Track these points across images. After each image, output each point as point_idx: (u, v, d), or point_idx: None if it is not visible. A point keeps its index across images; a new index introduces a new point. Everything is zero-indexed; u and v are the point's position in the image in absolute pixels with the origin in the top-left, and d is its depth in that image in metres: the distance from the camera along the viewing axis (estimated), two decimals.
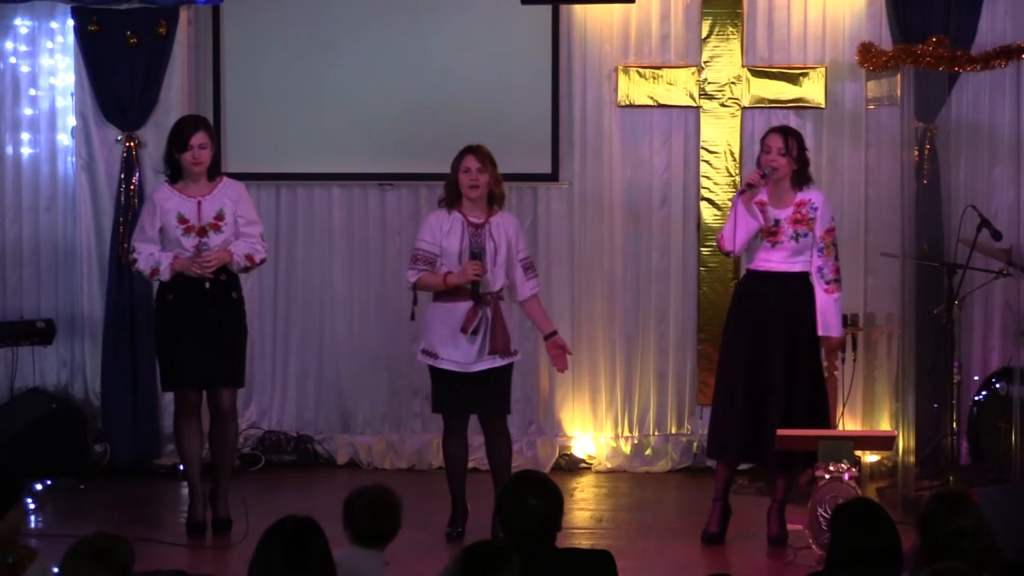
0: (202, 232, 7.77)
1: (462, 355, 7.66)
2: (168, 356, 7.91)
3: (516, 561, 4.14)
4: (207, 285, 7.75)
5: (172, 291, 7.84)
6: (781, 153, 7.64)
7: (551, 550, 4.70)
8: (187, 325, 7.78)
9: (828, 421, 7.78)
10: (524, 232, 8.12)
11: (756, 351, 7.64)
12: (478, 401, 7.76)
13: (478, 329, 7.63)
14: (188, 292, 7.78)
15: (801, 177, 7.69)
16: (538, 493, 4.69)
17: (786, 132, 7.78)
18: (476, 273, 7.59)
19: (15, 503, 4.82)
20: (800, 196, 7.66)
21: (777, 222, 7.64)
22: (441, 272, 7.68)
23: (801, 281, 7.69)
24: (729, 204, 8.29)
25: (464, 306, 7.65)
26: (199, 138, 7.80)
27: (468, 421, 7.87)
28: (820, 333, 7.67)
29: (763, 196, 7.68)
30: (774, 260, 7.68)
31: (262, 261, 7.96)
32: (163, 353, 7.97)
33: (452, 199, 7.74)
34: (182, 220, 7.77)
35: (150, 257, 7.77)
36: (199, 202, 7.81)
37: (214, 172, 7.95)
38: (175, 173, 7.86)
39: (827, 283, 7.67)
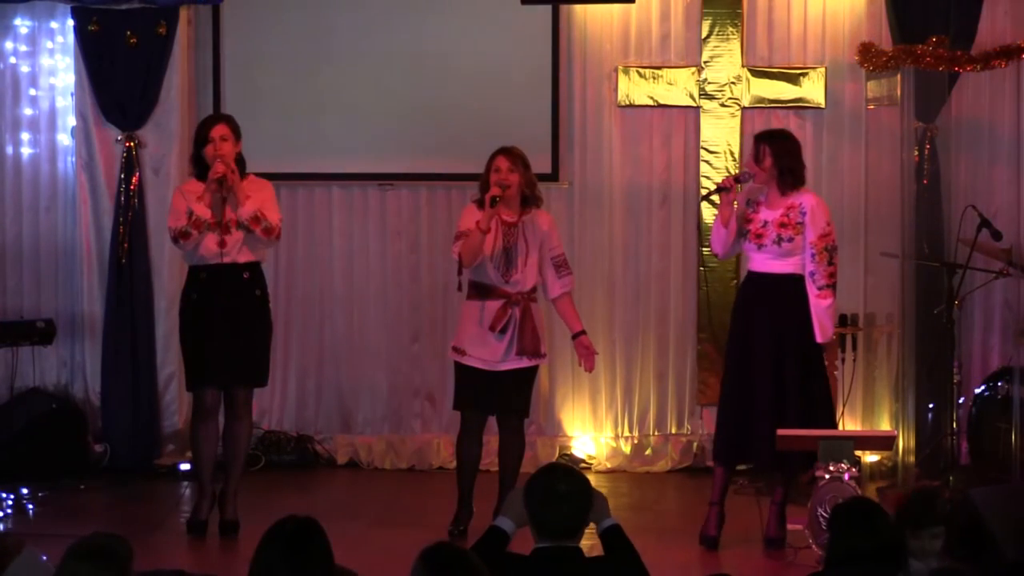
0: (225, 230, 7.76)
1: (490, 353, 7.71)
2: (190, 356, 7.92)
3: (477, 561, 4.11)
4: (222, 268, 7.74)
5: (196, 291, 7.85)
6: (753, 159, 7.65)
7: (578, 554, 4.66)
8: (210, 324, 7.77)
9: (828, 423, 7.72)
10: (558, 229, 8.14)
11: (746, 353, 7.64)
12: (499, 400, 7.80)
13: (506, 328, 7.67)
14: (212, 291, 7.78)
15: (785, 183, 7.62)
16: (568, 481, 4.63)
17: (760, 139, 7.73)
18: (494, 193, 7.63)
19: None
20: (792, 199, 7.60)
21: (765, 223, 7.61)
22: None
23: (791, 283, 7.61)
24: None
25: (494, 305, 7.71)
26: (219, 130, 7.79)
27: (486, 421, 7.90)
28: (818, 339, 7.61)
29: (760, 196, 7.69)
30: (762, 261, 7.64)
31: (269, 230, 7.78)
32: (185, 353, 7.98)
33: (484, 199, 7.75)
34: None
35: (180, 219, 7.74)
36: (223, 199, 7.79)
37: (242, 172, 7.86)
38: (202, 172, 7.84)
39: (819, 288, 7.57)
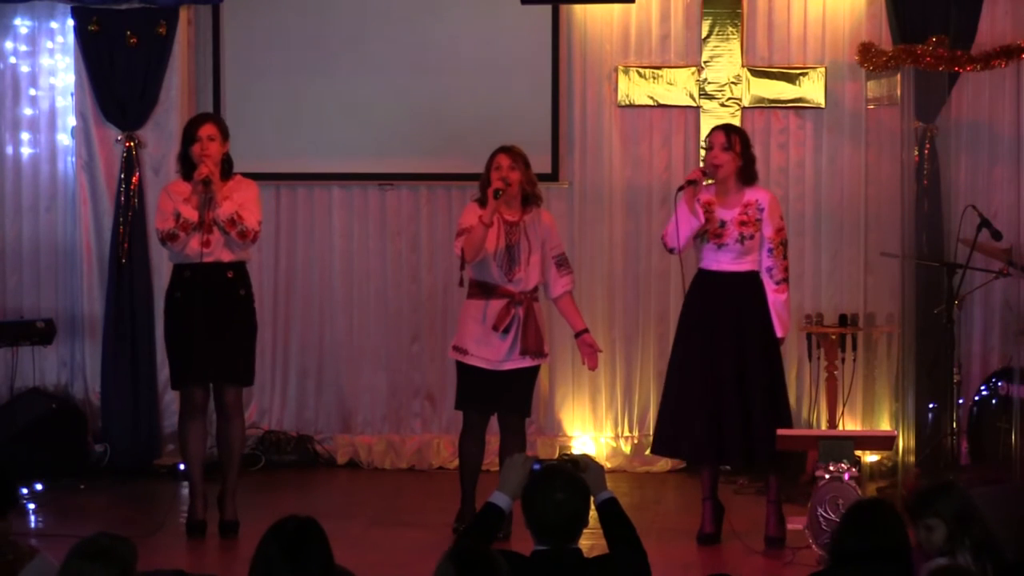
0: (208, 229, 7.76)
1: (493, 353, 7.71)
2: (174, 354, 7.91)
3: (502, 562, 4.13)
4: (206, 268, 7.74)
5: (180, 289, 7.84)
6: (724, 149, 7.65)
7: (577, 555, 4.66)
8: (194, 323, 7.76)
9: (787, 420, 7.71)
10: (558, 229, 8.15)
11: (708, 351, 7.63)
12: (501, 400, 7.80)
13: (510, 327, 7.68)
14: (195, 290, 7.78)
15: (746, 175, 7.67)
16: (566, 488, 4.62)
17: (729, 129, 7.81)
18: (498, 186, 7.62)
19: (13, 504, 4.85)
20: (747, 196, 7.64)
21: (723, 223, 7.62)
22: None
23: (750, 280, 7.65)
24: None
25: (497, 304, 7.72)
26: (207, 129, 7.80)
27: (488, 420, 7.90)
28: (778, 334, 7.64)
29: (710, 196, 7.67)
30: (722, 261, 7.66)
31: (244, 234, 7.73)
32: (170, 351, 7.98)
33: (485, 197, 7.75)
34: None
35: (168, 221, 7.74)
36: (209, 199, 7.78)
37: (228, 172, 7.90)
38: (188, 171, 7.84)
39: (776, 283, 7.62)
